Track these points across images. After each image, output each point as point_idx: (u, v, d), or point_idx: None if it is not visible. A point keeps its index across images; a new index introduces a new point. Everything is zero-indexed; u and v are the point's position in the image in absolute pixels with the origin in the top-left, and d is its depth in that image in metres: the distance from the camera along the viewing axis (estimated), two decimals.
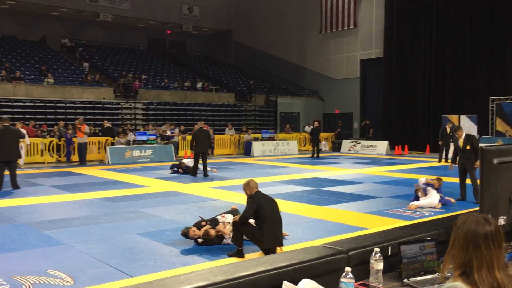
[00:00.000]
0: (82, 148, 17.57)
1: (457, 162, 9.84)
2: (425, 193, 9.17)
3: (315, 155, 20.80)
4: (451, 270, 1.90)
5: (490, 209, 2.76)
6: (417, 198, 9.26)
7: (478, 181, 3.12)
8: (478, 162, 8.85)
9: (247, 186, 5.97)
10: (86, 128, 17.46)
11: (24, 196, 10.52)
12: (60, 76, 24.53)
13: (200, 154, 14.05)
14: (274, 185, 11.87)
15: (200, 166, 14.27)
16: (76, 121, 18.34)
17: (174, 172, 14.89)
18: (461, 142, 9.53)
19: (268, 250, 5.68)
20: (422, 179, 9.50)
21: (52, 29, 30.94)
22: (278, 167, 16.81)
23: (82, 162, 17.60)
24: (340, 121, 27.62)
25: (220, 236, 6.42)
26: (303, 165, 17.55)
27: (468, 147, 9.44)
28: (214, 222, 6.64)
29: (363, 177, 13.83)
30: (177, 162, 15.57)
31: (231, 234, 6.18)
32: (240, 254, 5.84)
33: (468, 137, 9.61)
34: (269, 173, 14.71)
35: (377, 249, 2.59)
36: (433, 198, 9.04)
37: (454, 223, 1.93)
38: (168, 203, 9.58)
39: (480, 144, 7.32)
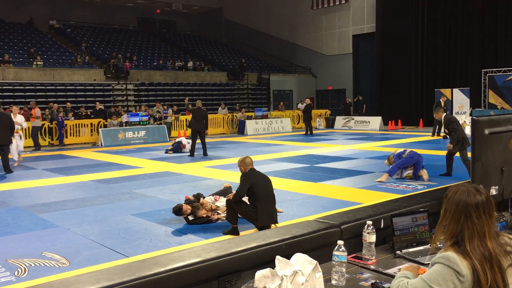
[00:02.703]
0: (34, 132, 16.92)
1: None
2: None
3: (309, 132, 20.81)
4: (443, 241, 1.91)
5: (482, 179, 2.76)
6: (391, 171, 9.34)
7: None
8: (449, 145, 8.90)
9: (242, 163, 5.97)
10: (37, 112, 16.89)
11: (18, 180, 10.48)
12: (49, 58, 24.20)
13: (198, 134, 13.99)
14: (268, 163, 11.88)
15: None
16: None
17: (174, 152, 14.84)
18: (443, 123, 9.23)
19: (263, 227, 5.70)
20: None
21: (39, 10, 30.36)
22: (272, 145, 16.81)
23: (36, 146, 16.99)
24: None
25: (213, 211, 6.52)
26: (297, 142, 17.55)
27: (447, 131, 9.11)
28: (197, 196, 6.80)
29: (356, 152, 13.87)
30: (174, 141, 15.35)
31: (224, 214, 6.23)
32: (235, 231, 5.87)
33: (445, 120, 9.15)
34: (263, 151, 14.71)
35: (369, 222, 2.59)
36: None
37: (445, 194, 1.93)
38: (162, 184, 9.58)
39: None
